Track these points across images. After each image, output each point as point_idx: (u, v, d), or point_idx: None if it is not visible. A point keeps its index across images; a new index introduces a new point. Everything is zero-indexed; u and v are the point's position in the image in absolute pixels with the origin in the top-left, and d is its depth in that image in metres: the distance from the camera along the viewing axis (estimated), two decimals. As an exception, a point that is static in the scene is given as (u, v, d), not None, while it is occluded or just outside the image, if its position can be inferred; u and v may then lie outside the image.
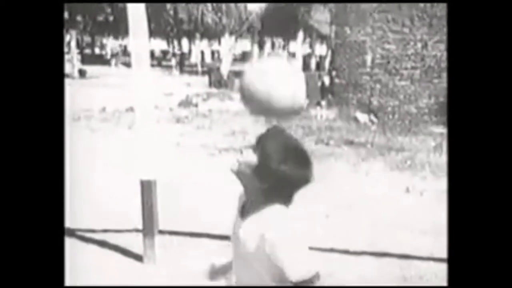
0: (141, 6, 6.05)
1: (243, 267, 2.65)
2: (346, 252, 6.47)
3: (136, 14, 6.05)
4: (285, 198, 2.56)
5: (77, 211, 7.56)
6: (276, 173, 2.46)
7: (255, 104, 2.79)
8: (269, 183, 2.49)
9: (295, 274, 2.43)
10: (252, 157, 2.50)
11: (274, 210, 2.52)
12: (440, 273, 5.97)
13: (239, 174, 2.54)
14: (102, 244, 6.62)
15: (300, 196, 2.69)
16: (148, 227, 6.18)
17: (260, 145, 2.51)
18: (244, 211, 2.65)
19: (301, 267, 2.46)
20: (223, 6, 38.65)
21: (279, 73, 2.79)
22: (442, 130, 14.68)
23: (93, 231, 6.95)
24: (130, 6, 6.04)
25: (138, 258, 6.19)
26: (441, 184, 9.50)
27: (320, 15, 38.51)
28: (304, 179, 2.55)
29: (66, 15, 35.87)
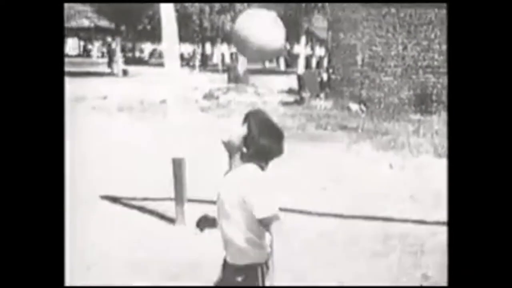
0: (172, 17, 6.06)
1: (225, 219, 2.75)
2: (340, 216, 6.49)
3: (168, 23, 6.07)
4: (261, 163, 2.68)
5: (119, 183, 7.64)
6: (257, 143, 2.63)
7: (251, 50, 2.98)
8: (251, 150, 2.64)
9: (259, 213, 2.54)
10: (242, 130, 2.67)
11: (250, 168, 2.65)
12: (415, 231, 6.00)
13: (227, 144, 2.70)
14: (142, 209, 6.68)
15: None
16: (179, 196, 6.22)
17: (247, 121, 2.67)
18: (227, 173, 2.80)
19: (266, 208, 2.55)
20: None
21: (270, 24, 2.96)
22: (419, 117, 14.63)
23: (134, 199, 7.01)
24: (163, 17, 6.05)
25: (171, 221, 6.25)
26: (418, 161, 9.50)
27: (319, 23, 38.21)
28: (277, 152, 2.70)
29: (113, 26, 35.91)
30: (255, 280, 2.70)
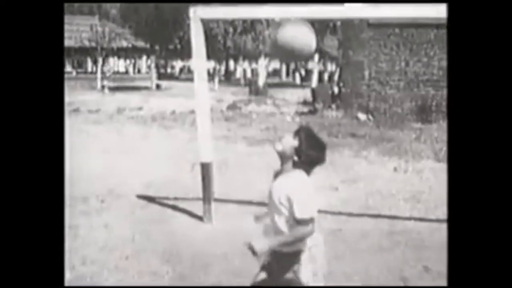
0: (201, 37, 6.07)
1: (276, 213, 2.92)
2: (350, 214, 6.47)
3: (198, 43, 6.09)
4: (307, 170, 2.88)
5: (153, 184, 7.68)
6: (306, 153, 2.87)
7: (286, 53, 3.73)
8: (301, 159, 2.87)
9: (299, 214, 2.76)
10: (294, 142, 2.88)
11: (298, 173, 2.88)
12: (417, 228, 5.96)
13: (281, 152, 2.92)
14: (174, 207, 6.71)
15: (315, 172, 2.82)
16: (207, 196, 6.23)
17: (298, 135, 2.90)
18: (277, 175, 3.01)
19: (305, 211, 2.77)
20: (260, 36, 38.51)
21: (304, 32, 3.63)
22: (420, 125, 14.57)
23: (167, 198, 7.04)
24: (193, 38, 6.07)
25: (200, 218, 6.26)
26: (420, 165, 9.43)
27: (331, 42, 38.17)
28: (320, 160, 2.93)
29: (148, 45, 36.20)
30: (298, 263, 2.92)
